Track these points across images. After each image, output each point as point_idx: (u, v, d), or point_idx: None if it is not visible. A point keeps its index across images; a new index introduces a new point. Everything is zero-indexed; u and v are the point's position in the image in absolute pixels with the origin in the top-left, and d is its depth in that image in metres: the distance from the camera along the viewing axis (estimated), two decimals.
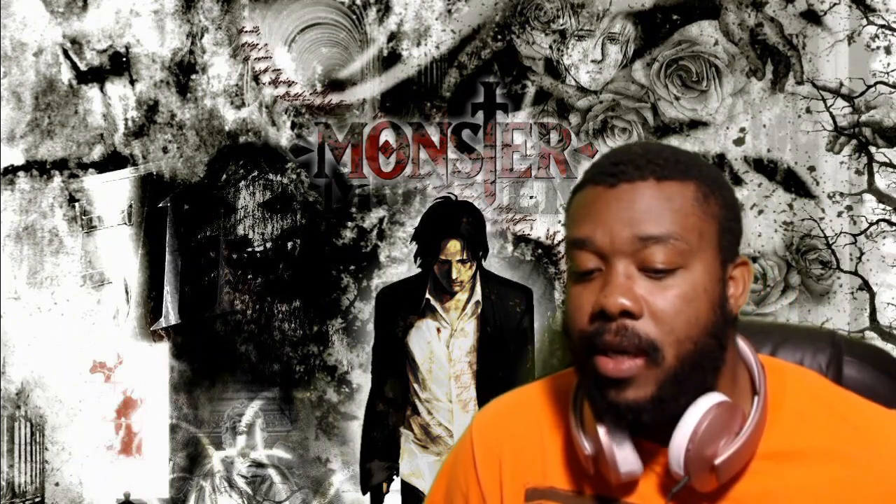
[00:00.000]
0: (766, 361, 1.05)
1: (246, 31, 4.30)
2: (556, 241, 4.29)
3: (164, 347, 4.29)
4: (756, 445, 0.98)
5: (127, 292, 4.30)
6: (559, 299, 4.29)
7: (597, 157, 4.22)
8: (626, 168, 0.97)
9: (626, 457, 0.98)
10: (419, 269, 3.25)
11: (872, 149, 4.22)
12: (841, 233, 4.23)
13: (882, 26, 4.23)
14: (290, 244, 4.31)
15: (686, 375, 0.95)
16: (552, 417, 1.12)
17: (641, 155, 0.98)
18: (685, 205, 0.96)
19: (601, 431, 0.98)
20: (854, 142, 4.23)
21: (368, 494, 3.35)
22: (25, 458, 4.26)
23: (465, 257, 3.08)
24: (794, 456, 0.98)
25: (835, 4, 4.24)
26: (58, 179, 4.29)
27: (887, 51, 4.23)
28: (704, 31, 4.28)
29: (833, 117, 4.22)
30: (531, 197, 4.30)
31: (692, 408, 0.96)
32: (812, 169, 4.25)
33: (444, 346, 3.20)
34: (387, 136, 4.31)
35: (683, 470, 0.96)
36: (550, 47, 4.29)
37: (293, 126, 4.31)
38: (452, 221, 3.10)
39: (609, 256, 0.96)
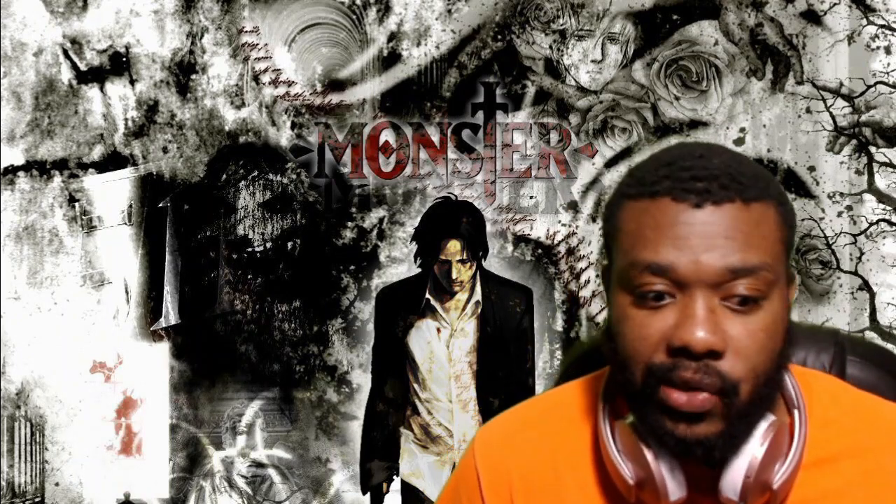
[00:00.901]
0: (791, 368, 1.01)
1: (246, 31, 4.30)
2: (556, 241, 4.29)
3: (164, 347, 4.29)
4: (802, 461, 0.94)
5: (127, 292, 4.30)
6: (559, 299, 4.29)
7: (605, 155, 4.21)
8: (711, 186, 0.87)
9: (676, 482, 0.93)
10: (419, 269, 3.25)
11: (872, 149, 4.22)
12: (841, 233, 4.23)
13: (882, 26, 4.23)
14: (290, 244, 4.31)
15: (757, 408, 0.90)
16: (565, 435, 1.04)
17: (724, 171, 0.89)
18: (771, 230, 0.89)
19: (649, 457, 0.92)
20: (854, 142, 4.23)
21: (368, 494, 3.35)
22: (25, 458, 4.26)
23: (465, 257, 3.08)
24: (825, 462, 0.96)
25: (835, 4, 4.24)
26: (58, 179, 4.29)
27: (887, 51, 4.23)
28: (704, 31, 4.28)
29: (833, 117, 4.22)
30: (531, 197, 4.30)
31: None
32: (812, 169, 4.25)
33: (444, 346, 3.20)
34: (387, 136, 4.31)
35: (739, 497, 0.91)
36: (550, 47, 4.29)
37: (293, 126, 4.31)
38: (452, 221, 3.09)
39: (690, 286, 0.87)
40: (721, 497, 0.92)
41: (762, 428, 0.91)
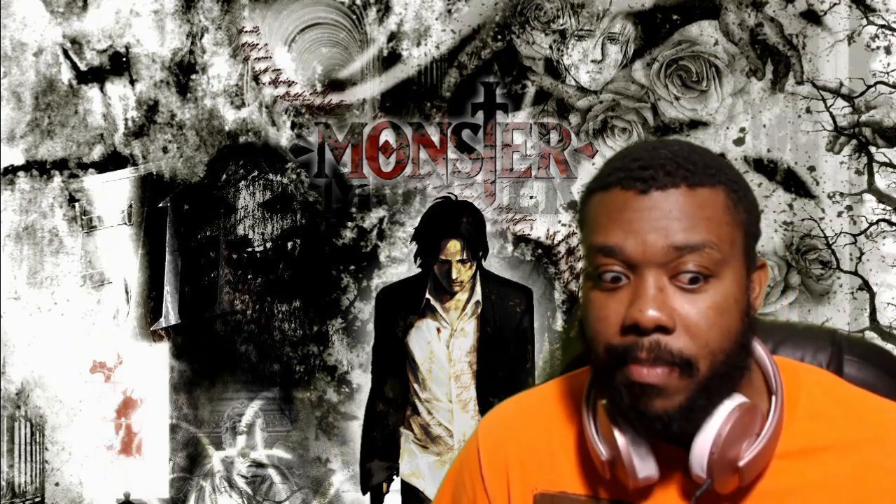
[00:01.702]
0: (779, 361, 1.04)
1: (246, 31, 4.30)
2: (556, 241, 4.29)
3: (164, 347, 4.29)
4: (776, 445, 0.97)
5: (127, 292, 4.30)
6: (559, 299, 4.29)
7: (605, 155, 4.22)
8: (657, 174, 0.94)
9: (644, 462, 0.97)
10: (419, 269, 3.25)
11: (872, 149, 4.22)
12: (841, 233, 4.23)
13: (882, 26, 4.23)
14: (290, 244, 4.31)
15: (716, 385, 0.94)
16: (561, 421, 1.10)
17: (671, 158, 0.95)
18: (717, 212, 0.94)
19: (618, 435, 0.97)
20: (854, 142, 4.23)
21: (368, 494, 3.35)
22: (25, 458, 4.26)
23: (465, 257, 3.08)
24: (811, 453, 0.98)
25: (835, 4, 4.24)
26: (58, 179, 4.29)
27: (887, 51, 4.23)
28: (704, 31, 4.28)
29: (833, 117, 4.22)
30: (531, 197, 4.30)
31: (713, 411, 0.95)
32: (812, 169, 4.25)
33: (444, 346, 3.20)
34: (387, 136, 4.31)
35: (706, 473, 0.94)
36: (550, 47, 4.29)
37: (293, 126, 4.31)
38: (452, 221, 3.09)
39: (640, 266, 0.93)
40: (692, 475, 0.96)
41: (729, 407, 0.94)
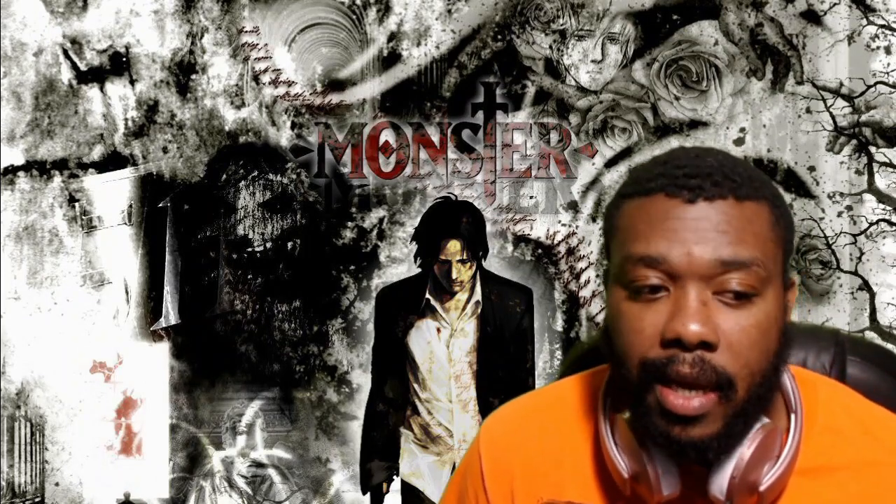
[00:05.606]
0: (798, 374, 1.02)
1: (246, 31, 4.30)
2: (555, 241, 4.29)
3: (164, 347, 4.29)
4: (795, 465, 0.95)
5: (127, 292, 4.30)
6: (559, 299, 4.29)
7: (605, 155, 4.21)
8: (704, 183, 0.89)
9: (669, 479, 0.94)
10: (419, 269, 3.25)
11: (872, 149, 4.22)
12: (841, 233, 4.23)
13: (882, 26, 4.23)
14: (290, 244, 4.31)
15: (752, 408, 0.90)
16: (569, 427, 1.06)
17: (717, 168, 0.91)
18: (763, 228, 0.90)
19: (644, 452, 0.93)
20: (854, 142, 4.23)
21: (368, 494, 3.35)
22: (25, 458, 4.26)
23: (465, 257, 3.08)
24: (828, 471, 0.96)
25: (835, 4, 4.24)
26: (58, 179, 4.29)
27: (887, 51, 4.23)
28: (704, 31, 4.28)
29: (833, 117, 4.22)
30: (531, 197, 4.30)
31: None
32: (812, 169, 4.26)
33: (444, 346, 3.20)
34: (387, 136, 4.31)
35: (726, 496, 0.92)
36: (550, 47, 4.29)
37: (293, 126, 4.31)
38: (452, 221, 3.09)
39: (683, 278, 0.88)
40: (710, 496, 0.93)
41: (752, 430, 0.92)
